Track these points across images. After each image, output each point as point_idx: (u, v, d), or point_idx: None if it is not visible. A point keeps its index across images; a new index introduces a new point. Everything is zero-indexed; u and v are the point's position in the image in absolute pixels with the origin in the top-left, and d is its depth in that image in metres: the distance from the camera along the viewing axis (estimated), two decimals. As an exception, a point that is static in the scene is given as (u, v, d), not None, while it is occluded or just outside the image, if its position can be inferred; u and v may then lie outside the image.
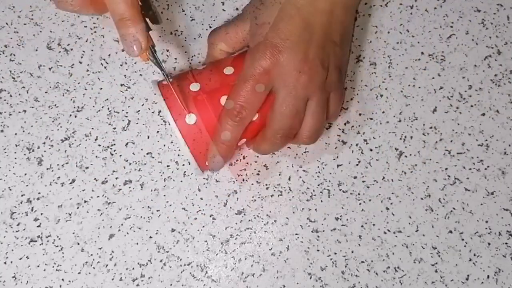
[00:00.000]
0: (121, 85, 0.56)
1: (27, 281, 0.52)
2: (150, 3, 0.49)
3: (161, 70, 0.48)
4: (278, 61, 0.48)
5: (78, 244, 0.53)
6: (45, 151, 0.54)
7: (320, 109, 0.50)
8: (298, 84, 0.48)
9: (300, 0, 0.49)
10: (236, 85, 0.48)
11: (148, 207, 0.54)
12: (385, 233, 0.53)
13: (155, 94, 0.54)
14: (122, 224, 0.53)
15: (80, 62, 0.56)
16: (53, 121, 0.55)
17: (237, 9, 0.57)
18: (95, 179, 0.54)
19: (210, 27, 0.57)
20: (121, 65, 0.56)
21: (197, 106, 0.48)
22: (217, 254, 0.53)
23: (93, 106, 0.55)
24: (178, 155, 0.54)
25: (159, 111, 0.55)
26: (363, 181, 0.54)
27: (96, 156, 0.54)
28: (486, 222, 0.53)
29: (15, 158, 0.54)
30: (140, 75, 0.56)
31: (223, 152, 0.49)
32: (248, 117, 0.48)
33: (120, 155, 0.54)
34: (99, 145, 0.55)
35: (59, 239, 0.53)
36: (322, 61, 0.49)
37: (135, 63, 0.56)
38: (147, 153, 0.55)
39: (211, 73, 0.49)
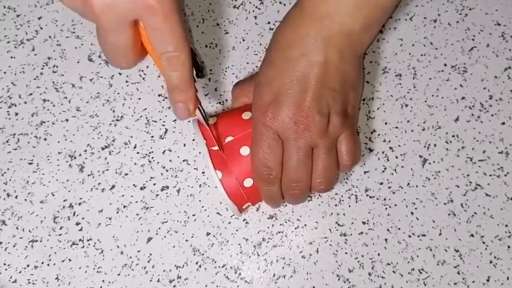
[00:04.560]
0: (159, 95, 0.57)
1: (69, 282, 0.54)
2: (197, 60, 0.49)
3: (206, 123, 0.50)
4: (276, 117, 0.48)
5: (118, 247, 0.54)
6: (86, 158, 0.56)
7: (326, 156, 0.50)
8: (297, 135, 0.48)
9: (292, 55, 0.49)
10: (252, 150, 0.50)
11: (184, 211, 0.55)
12: (409, 236, 0.55)
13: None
14: (159, 228, 0.55)
15: (120, 74, 0.58)
16: (94, 130, 0.57)
17: (268, 22, 0.59)
18: (133, 185, 0.56)
19: (244, 40, 0.58)
20: (158, 76, 0.58)
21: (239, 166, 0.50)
22: (250, 257, 0.54)
23: (132, 116, 0.57)
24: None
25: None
26: (389, 187, 0.56)
27: (135, 163, 0.56)
28: (506, 226, 0.55)
29: (58, 165, 0.56)
30: (177, 86, 0.58)
31: (274, 206, 0.53)
32: (278, 173, 0.50)
33: (158, 162, 0.56)
34: (138, 153, 0.56)
35: (100, 242, 0.54)
36: (320, 109, 0.48)
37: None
38: (183, 160, 0.56)
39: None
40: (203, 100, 0.57)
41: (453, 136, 0.56)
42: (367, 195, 0.56)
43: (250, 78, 0.55)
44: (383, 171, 0.56)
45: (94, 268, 0.54)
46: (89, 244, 0.54)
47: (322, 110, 0.48)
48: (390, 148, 0.56)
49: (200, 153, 0.56)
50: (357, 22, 0.49)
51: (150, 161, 0.56)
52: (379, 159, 0.56)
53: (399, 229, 0.55)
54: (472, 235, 0.55)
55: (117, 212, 0.55)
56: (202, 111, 0.49)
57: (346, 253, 0.54)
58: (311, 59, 0.49)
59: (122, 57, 0.46)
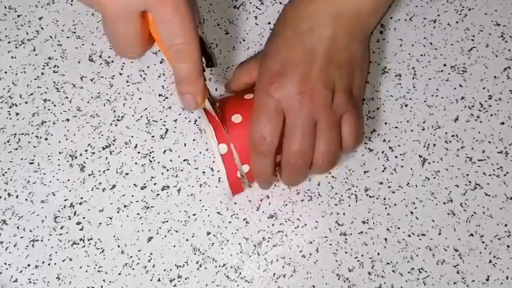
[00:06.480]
0: (159, 95, 0.58)
1: (70, 282, 0.54)
2: (206, 49, 0.49)
3: (215, 113, 0.49)
4: (281, 87, 0.48)
5: (119, 246, 0.54)
6: (87, 158, 0.56)
7: (330, 131, 0.49)
8: (302, 107, 0.48)
9: (301, 28, 0.49)
10: (253, 119, 0.49)
11: (185, 211, 0.55)
12: (409, 236, 0.55)
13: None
14: (160, 228, 0.55)
15: (120, 74, 0.58)
16: (94, 130, 0.57)
17: (269, 23, 0.59)
18: (134, 184, 0.56)
19: (244, 40, 0.59)
20: (159, 76, 0.58)
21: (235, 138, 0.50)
22: (250, 256, 0.55)
23: (133, 115, 0.57)
24: (213, 161, 0.56)
25: (195, 120, 0.57)
26: (388, 187, 0.56)
27: (136, 163, 0.56)
28: (505, 225, 0.55)
29: (59, 165, 0.56)
30: (177, 86, 0.58)
31: (264, 185, 0.52)
32: (272, 146, 0.49)
33: (158, 162, 0.56)
34: (138, 153, 0.56)
35: (100, 241, 0.55)
36: (326, 83, 0.48)
37: (172, 74, 0.57)
38: (184, 160, 0.56)
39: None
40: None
41: (453, 136, 0.57)
42: (367, 195, 0.56)
43: (254, 57, 0.55)
44: (383, 171, 0.56)
45: (94, 268, 0.54)
46: (89, 243, 0.55)
47: (328, 84, 0.48)
48: (390, 148, 0.57)
49: (200, 152, 0.57)
50: (367, 2, 0.50)
51: (150, 161, 0.56)
52: (379, 159, 0.56)
53: (398, 228, 0.55)
54: (472, 235, 0.55)
55: (118, 212, 0.55)
56: (210, 101, 0.48)
57: (346, 252, 0.54)
58: (319, 33, 0.49)
59: (129, 47, 0.45)
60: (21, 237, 0.55)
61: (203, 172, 0.56)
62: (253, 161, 0.50)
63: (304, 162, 0.49)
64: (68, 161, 0.56)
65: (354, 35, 0.50)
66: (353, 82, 0.51)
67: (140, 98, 0.57)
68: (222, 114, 0.50)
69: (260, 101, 0.49)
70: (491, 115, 0.57)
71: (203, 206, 0.55)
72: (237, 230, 0.55)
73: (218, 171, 0.50)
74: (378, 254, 0.54)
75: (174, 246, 0.55)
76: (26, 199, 0.55)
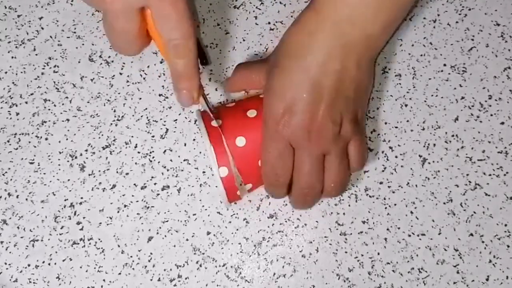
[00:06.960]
0: (159, 95, 0.58)
1: (70, 282, 0.54)
2: (201, 47, 0.49)
3: (210, 111, 0.50)
4: (289, 126, 0.48)
5: (119, 246, 0.54)
6: (87, 158, 0.56)
7: (339, 162, 0.50)
8: (310, 144, 0.48)
9: (307, 62, 0.48)
10: (262, 155, 0.50)
11: (185, 211, 0.55)
12: (409, 236, 0.55)
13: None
14: (160, 228, 0.55)
15: (121, 74, 0.58)
16: (94, 130, 0.57)
17: (269, 23, 0.59)
18: (134, 184, 0.56)
19: (244, 40, 0.59)
20: (159, 76, 0.58)
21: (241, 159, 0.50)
22: (250, 256, 0.55)
23: (133, 115, 0.57)
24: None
25: (195, 120, 0.57)
26: (388, 187, 0.56)
27: (136, 163, 0.56)
28: (505, 225, 0.55)
29: (59, 165, 0.56)
30: (178, 86, 0.58)
31: (278, 198, 0.53)
32: (286, 179, 0.50)
33: (159, 162, 0.56)
34: (139, 152, 0.56)
35: (101, 241, 0.55)
36: (333, 117, 0.48)
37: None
38: (184, 160, 0.56)
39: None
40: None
41: (453, 135, 0.57)
42: (367, 195, 0.56)
43: (256, 64, 0.54)
44: (383, 171, 0.56)
45: (95, 268, 0.54)
46: (90, 243, 0.55)
47: (336, 118, 0.48)
48: (390, 147, 0.57)
49: (201, 152, 0.57)
50: (377, 25, 0.48)
51: (150, 161, 0.56)
52: (379, 158, 0.56)
53: (398, 228, 0.55)
54: (472, 235, 0.55)
55: (118, 212, 0.55)
56: (205, 98, 0.49)
57: (346, 252, 0.54)
58: (327, 68, 0.48)
59: (128, 44, 0.46)
60: (21, 237, 0.55)
61: (203, 172, 0.56)
62: (269, 190, 0.52)
63: (314, 193, 0.51)
64: (68, 161, 0.56)
65: (362, 63, 0.49)
66: (359, 108, 0.51)
67: (140, 98, 0.57)
68: (224, 135, 0.50)
69: (269, 138, 0.49)
70: (491, 115, 0.57)
71: (203, 206, 0.55)
72: (237, 230, 0.55)
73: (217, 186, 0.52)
74: (378, 254, 0.54)
75: (174, 246, 0.55)
76: (26, 199, 0.55)
